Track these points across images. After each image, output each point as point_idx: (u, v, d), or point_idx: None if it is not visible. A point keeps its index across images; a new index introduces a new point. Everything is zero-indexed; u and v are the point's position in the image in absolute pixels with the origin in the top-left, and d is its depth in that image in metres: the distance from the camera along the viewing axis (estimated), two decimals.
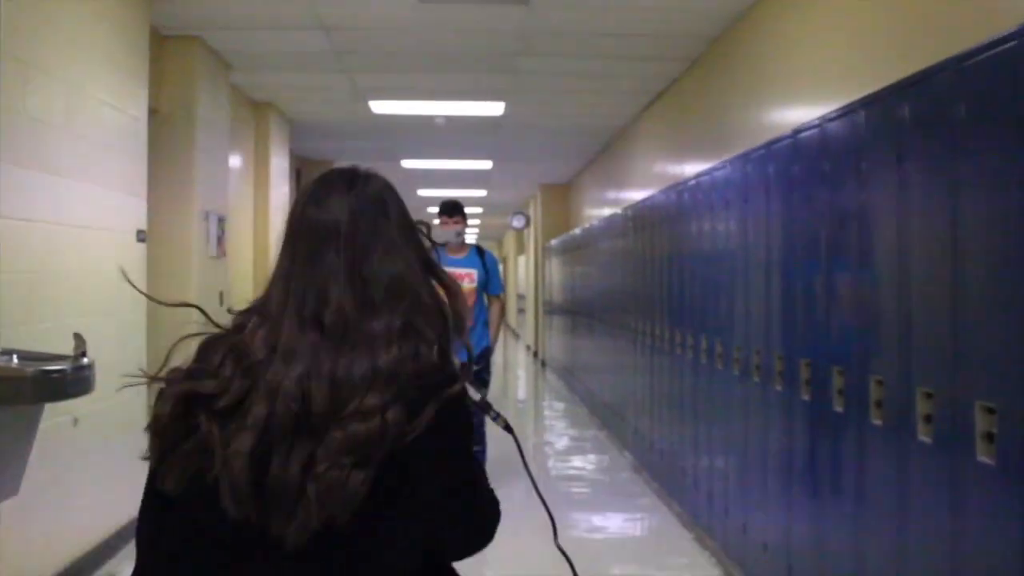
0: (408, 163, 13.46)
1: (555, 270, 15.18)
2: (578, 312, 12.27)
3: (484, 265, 6.63)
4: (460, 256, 6.58)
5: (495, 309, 6.75)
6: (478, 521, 1.54)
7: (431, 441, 1.41)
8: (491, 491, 1.56)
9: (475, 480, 1.52)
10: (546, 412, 12.62)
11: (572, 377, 12.94)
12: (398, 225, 1.58)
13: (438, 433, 1.42)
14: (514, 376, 17.50)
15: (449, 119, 9.90)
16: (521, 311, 24.14)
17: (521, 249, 23.27)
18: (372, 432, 1.37)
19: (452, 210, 6.72)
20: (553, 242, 15.40)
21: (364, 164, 1.66)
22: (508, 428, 1.69)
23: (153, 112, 6.22)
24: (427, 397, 1.42)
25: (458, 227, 6.63)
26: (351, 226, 1.53)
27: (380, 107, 9.24)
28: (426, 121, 10.04)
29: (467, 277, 6.36)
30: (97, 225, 5.11)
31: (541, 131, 11.01)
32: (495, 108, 9.35)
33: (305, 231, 1.54)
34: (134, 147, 5.67)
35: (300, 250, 1.53)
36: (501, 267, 7.48)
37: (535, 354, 18.72)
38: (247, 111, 9.06)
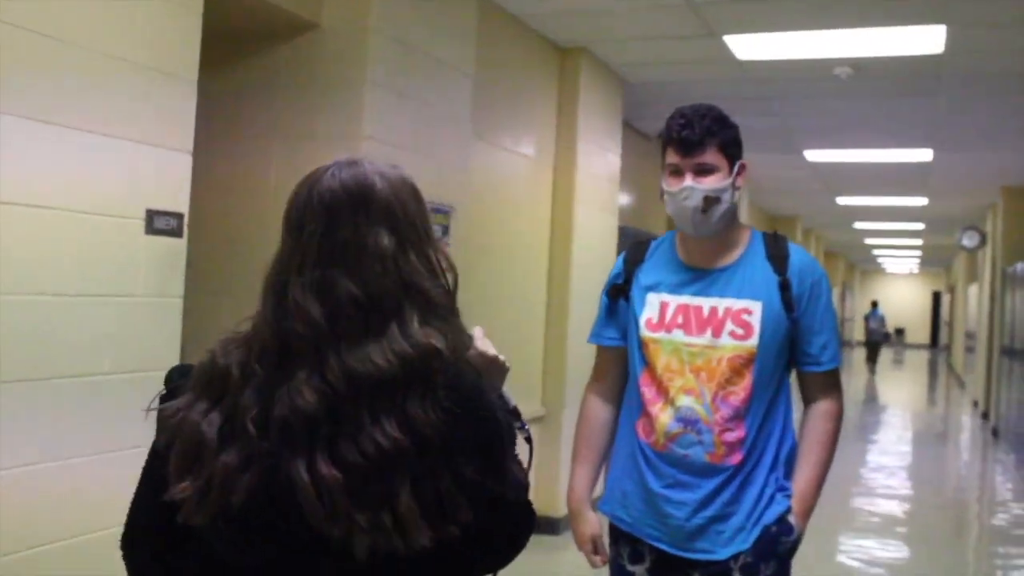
0: (811, 153, 10.06)
1: (1020, 304, 10.93)
2: None
3: (784, 288, 2.57)
4: (715, 263, 2.62)
5: (820, 419, 2.62)
6: (502, 533, 1.52)
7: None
8: (523, 501, 1.53)
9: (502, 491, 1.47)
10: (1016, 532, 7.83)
11: None
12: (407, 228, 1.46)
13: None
14: (945, 449, 13.00)
15: (858, 65, 6.47)
16: (969, 350, 19.26)
17: (973, 276, 18.59)
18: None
19: (689, 143, 2.53)
20: (1020, 266, 11.12)
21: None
22: (529, 440, 1.66)
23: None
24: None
25: (705, 183, 2.53)
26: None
27: (752, 53, 6.10)
28: (825, 72, 6.70)
29: (719, 321, 2.55)
30: None
31: (1002, 79, 7.16)
32: (933, 37, 5.83)
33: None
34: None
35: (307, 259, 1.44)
36: (835, 293, 2.73)
37: (984, 415, 14.26)
38: (545, 56, 6.22)
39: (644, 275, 2.67)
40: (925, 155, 9.87)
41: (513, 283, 5.93)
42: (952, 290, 28.13)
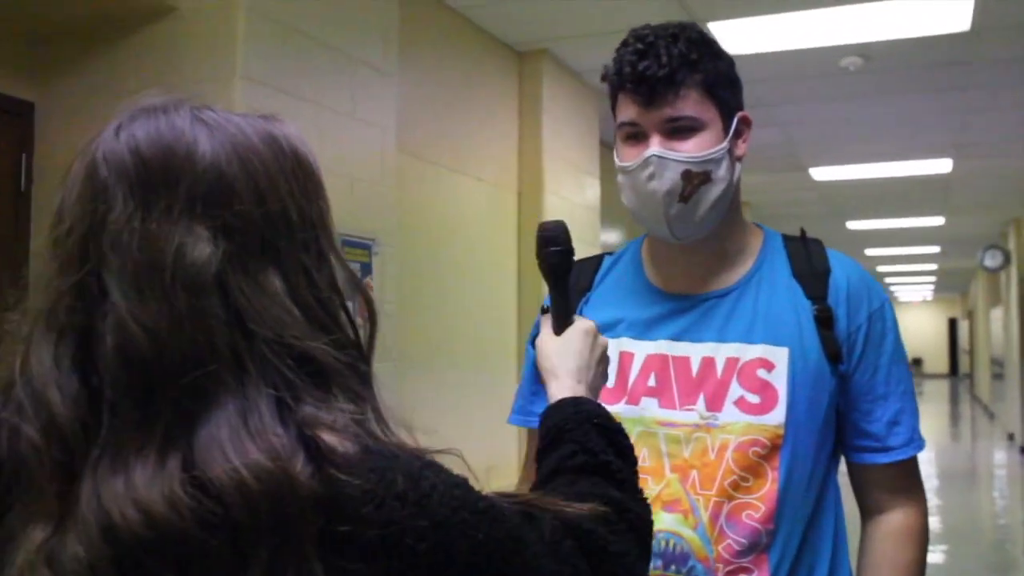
0: (818, 171, 9.11)
1: None
2: None
3: (824, 323, 1.56)
4: (708, 286, 1.63)
5: (896, 543, 1.58)
6: None
7: None
8: None
9: None
10: None
11: None
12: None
13: None
14: (979, 489, 11.72)
15: (868, 53, 5.51)
16: (997, 376, 18.14)
17: (995, 299, 17.55)
18: None
19: (652, 84, 1.51)
20: None
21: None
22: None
23: None
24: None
25: (683, 148, 1.53)
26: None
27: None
28: (830, 66, 5.75)
29: (719, 384, 1.55)
30: None
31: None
32: (958, 10, 4.86)
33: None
34: None
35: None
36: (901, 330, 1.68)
37: (1023, 450, 13.14)
38: (501, 61, 5.27)
39: (593, 310, 1.68)
40: (944, 166, 8.91)
41: (474, 332, 4.91)
42: (971, 315, 27.10)
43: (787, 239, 1.68)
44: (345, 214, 3.53)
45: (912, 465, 1.62)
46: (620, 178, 1.60)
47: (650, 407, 1.57)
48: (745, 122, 1.62)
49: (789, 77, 6.02)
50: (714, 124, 1.55)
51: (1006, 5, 4.82)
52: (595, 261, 1.76)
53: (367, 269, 3.63)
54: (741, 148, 1.61)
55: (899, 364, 1.60)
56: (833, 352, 1.55)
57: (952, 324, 35.53)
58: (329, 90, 3.51)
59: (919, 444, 1.60)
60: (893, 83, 6.24)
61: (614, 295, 1.69)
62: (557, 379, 1.27)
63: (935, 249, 16.83)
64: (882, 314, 1.60)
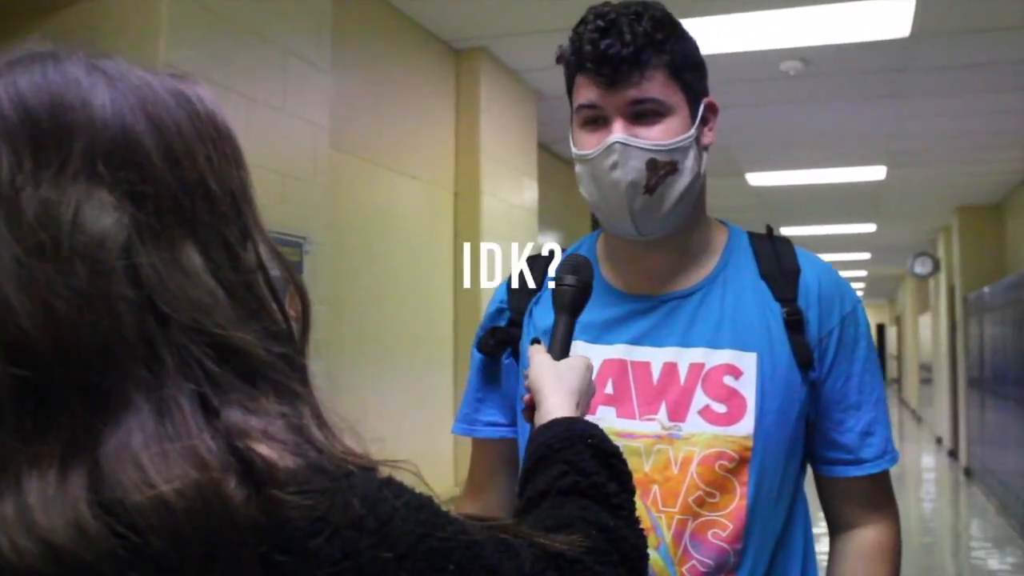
0: (754, 177, 9.11)
1: (989, 332, 9.99)
2: None
3: (795, 327, 1.47)
4: (671, 286, 1.53)
5: (869, 561, 1.49)
6: None
7: None
8: None
9: None
10: None
11: None
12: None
13: None
14: (909, 493, 11.45)
15: (808, 57, 5.47)
16: (925, 382, 18.40)
17: (924, 305, 17.82)
18: None
19: (615, 64, 1.41)
20: (985, 290, 10.22)
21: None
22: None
23: None
24: None
25: (648, 135, 1.43)
26: None
27: None
28: (770, 69, 5.71)
29: (683, 392, 1.46)
30: None
31: (970, 72, 6.21)
32: (899, 15, 4.84)
33: None
34: None
35: None
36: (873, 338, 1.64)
37: (951, 453, 13.30)
38: (438, 59, 5.14)
39: (544, 311, 1.55)
40: (878, 173, 8.96)
41: (408, 333, 4.77)
42: (899, 321, 27.53)
43: (753, 237, 1.57)
44: (275, 211, 3.37)
45: (885, 479, 1.53)
46: (578, 168, 1.48)
47: (607, 417, 1.45)
48: (712, 109, 1.52)
49: (728, 81, 5.97)
50: (681, 109, 1.44)
51: (946, 12, 4.81)
52: (546, 258, 1.64)
53: (298, 268, 3.48)
54: (708, 137, 1.51)
55: (872, 371, 1.50)
56: (804, 358, 1.45)
57: (880, 330, 36.08)
58: (259, 82, 3.35)
59: (893, 456, 1.51)
60: (832, 88, 6.23)
61: None
62: (556, 395, 1.17)
63: (866, 256, 17.02)
64: (855, 318, 1.51)
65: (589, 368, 1.25)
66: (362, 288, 4.32)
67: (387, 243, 4.58)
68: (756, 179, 9.28)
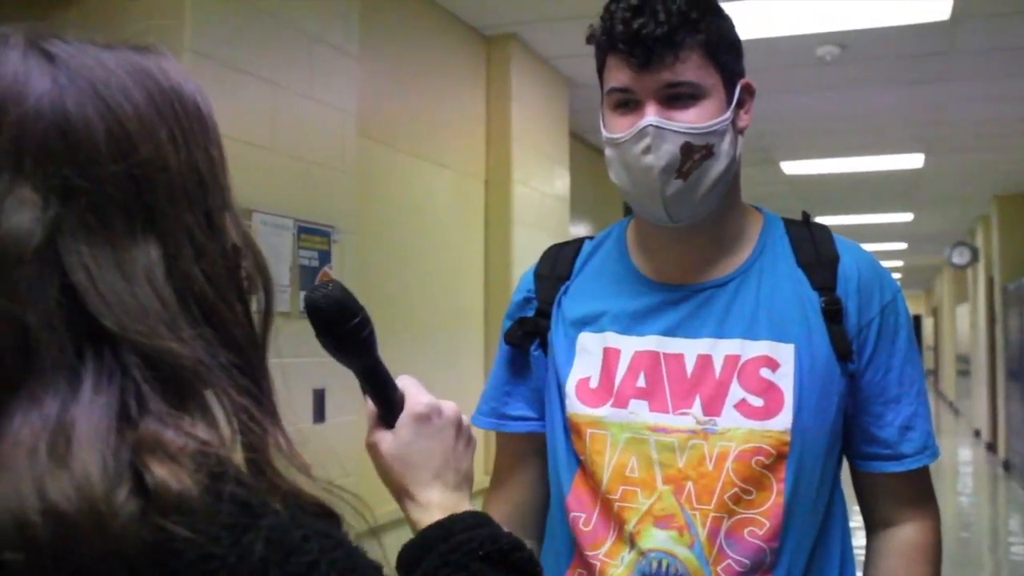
0: (789, 165, 9.00)
1: None
2: None
3: (833, 316, 1.41)
4: (704, 275, 1.47)
5: (908, 561, 1.44)
6: None
7: None
8: None
9: None
10: None
11: None
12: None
13: None
14: (947, 487, 11.27)
15: (845, 42, 5.37)
16: (963, 374, 18.17)
17: (962, 296, 17.59)
18: None
19: (649, 45, 1.35)
20: None
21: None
22: None
23: None
24: None
25: (683, 118, 1.38)
26: None
27: None
28: (807, 55, 5.62)
29: (718, 384, 1.40)
30: None
31: (1012, 56, 6.08)
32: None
33: None
34: None
35: None
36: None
37: (989, 447, 13.11)
38: (468, 46, 5.09)
39: (573, 301, 1.50)
40: (916, 161, 8.82)
41: (439, 324, 4.73)
42: (936, 312, 27.24)
43: (789, 224, 1.52)
44: (302, 200, 3.34)
45: (925, 474, 1.47)
46: (608, 152, 1.43)
47: (640, 411, 1.40)
48: (748, 90, 1.46)
49: (764, 67, 5.87)
50: (716, 92, 1.39)
51: None
52: (575, 246, 1.59)
53: (326, 257, 3.44)
54: (744, 120, 1.46)
55: (912, 363, 1.44)
56: (843, 349, 1.39)
57: (917, 321, 35.78)
58: (286, 69, 3.31)
59: (934, 451, 1.45)
60: (869, 74, 6.12)
61: (597, 284, 1.52)
62: (412, 499, 0.96)
63: (902, 246, 16.82)
64: (895, 307, 1.45)
65: (432, 413, 1.02)
66: (392, 277, 4.28)
67: (417, 232, 4.53)
68: (791, 168, 9.16)
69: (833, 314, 1.40)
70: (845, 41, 5.38)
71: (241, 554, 0.63)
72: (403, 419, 1.00)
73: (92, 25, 3.01)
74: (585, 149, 7.32)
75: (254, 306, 0.78)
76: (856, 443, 1.45)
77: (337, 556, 0.67)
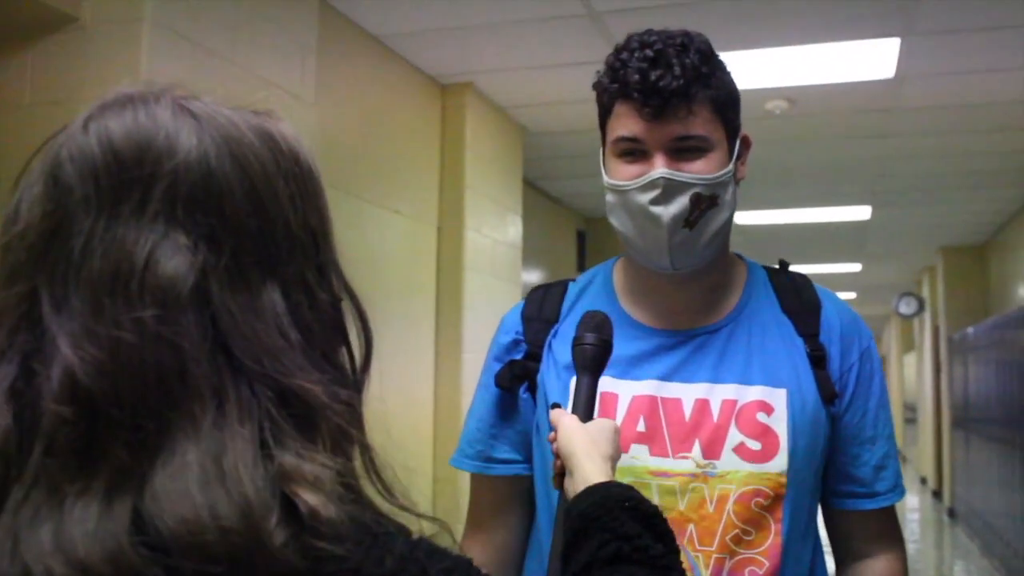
0: (740, 215, 9.10)
1: (973, 372, 9.99)
2: None
3: (818, 362, 1.46)
4: (700, 320, 1.50)
5: None
6: None
7: None
8: None
9: None
10: None
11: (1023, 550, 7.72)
12: None
13: None
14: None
15: (794, 97, 5.48)
16: (910, 421, 18.40)
17: (909, 345, 17.83)
18: None
19: (663, 96, 1.37)
20: (970, 331, 10.22)
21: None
22: None
23: None
24: None
25: (692, 169, 1.40)
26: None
27: None
28: (756, 109, 5.72)
29: (716, 428, 1.43)
30: None
31: (954, 113, 6.24)
32: (884, 56, 4.85)
33: None
34: None
35: None
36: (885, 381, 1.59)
37: (935, 494, 13.26)
38: (425, 93, 5.12)
39: (563, 344, 1.51)
40: (863, 213, 8.98)
41: (388, 370, 4.71)
42: (884, 361, 27.53)
43: (771, 272, 1.57)
44: None
45: (894, 511, 1.53)
46: (611, 198, 1.45)
47: (641, 455, 1.42)
48: (746, 143, 1.50)
49: None
50: (720, 144, 1.43)
51: (929, 53, 4.83)
52: (560, 288, 1.61)
53: None
54: (742, 171, 1.50)
55: (884, 406, 1.51)
56: (828, 393, 1.44)
57: None
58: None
59: (902, 490, 1.52)
60: (817, 128, 6.24)
61: None
62: (591, 461, 1.15)
63: (851, 295, 17.06)
64: (870, 353, 1.51)
65: (617, 431, 1.23)
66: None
67: (368, 278, 4.52)
68: (742, 217, 9.28)
69: (818, 360, 1.45)
70: (794, 96, 5.49)
71: (375, 567, 0.71)
72: (600, 420, 1.26)
73: (52, 65, 3.01)
74: (538, 196, 7.38)
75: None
76: (833, 482, 1.50)
77: (443, 563, 0.75)
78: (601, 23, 4.31)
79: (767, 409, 1.42)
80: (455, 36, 4.65)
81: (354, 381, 0.84)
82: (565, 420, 1.23)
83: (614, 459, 1.19)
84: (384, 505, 0.80)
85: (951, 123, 6.09)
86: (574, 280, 1.63)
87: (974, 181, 7.86)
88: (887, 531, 1.53)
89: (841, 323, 1.50)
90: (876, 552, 1.52)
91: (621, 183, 1.43)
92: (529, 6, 4.21)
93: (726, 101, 1.44)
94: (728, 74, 1.47)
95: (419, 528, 0.80)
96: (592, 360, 1.31)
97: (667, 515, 1.37)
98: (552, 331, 1.55)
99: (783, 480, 1.40)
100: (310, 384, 0.76)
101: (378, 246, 4.64)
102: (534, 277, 7.29)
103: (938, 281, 12.22)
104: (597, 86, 1.49)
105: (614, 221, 1.47)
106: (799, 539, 1.42)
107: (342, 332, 0.83)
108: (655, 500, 1.40)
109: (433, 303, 5.17)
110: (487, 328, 5.32)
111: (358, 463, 0.80)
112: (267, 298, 0.77)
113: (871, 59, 4.89)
